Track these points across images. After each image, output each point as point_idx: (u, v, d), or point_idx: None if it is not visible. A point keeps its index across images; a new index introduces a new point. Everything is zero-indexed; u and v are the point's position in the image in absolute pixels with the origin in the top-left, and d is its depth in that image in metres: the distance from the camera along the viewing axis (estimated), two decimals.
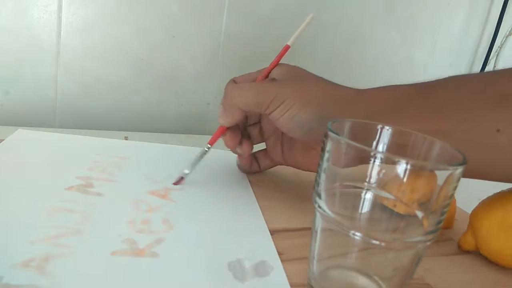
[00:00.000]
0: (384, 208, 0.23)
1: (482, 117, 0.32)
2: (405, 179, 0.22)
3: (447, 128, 0.32)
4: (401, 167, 0.21)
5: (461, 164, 0.22)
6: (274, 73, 0.39)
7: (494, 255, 0.33)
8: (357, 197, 0.24)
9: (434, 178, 0.22)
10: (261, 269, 0.28)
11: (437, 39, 0.78)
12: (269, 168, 0.46)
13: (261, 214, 0.36)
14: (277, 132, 0.43)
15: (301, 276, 0.28)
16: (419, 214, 0.23)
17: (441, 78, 0.35)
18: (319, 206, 0.24)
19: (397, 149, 0.27)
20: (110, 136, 0.50)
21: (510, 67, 0.34)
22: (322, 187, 0.25)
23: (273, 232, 0.34)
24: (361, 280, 0.25)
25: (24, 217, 0.30)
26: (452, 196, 0.23)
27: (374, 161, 0.22)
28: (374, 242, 0.23)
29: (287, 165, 0.44)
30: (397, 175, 0.22)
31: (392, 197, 0.23)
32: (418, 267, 0.24)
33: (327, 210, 0.24)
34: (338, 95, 0.36)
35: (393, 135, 0.27)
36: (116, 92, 0.61)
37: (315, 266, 0.26)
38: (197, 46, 0.63)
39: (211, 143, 0.40)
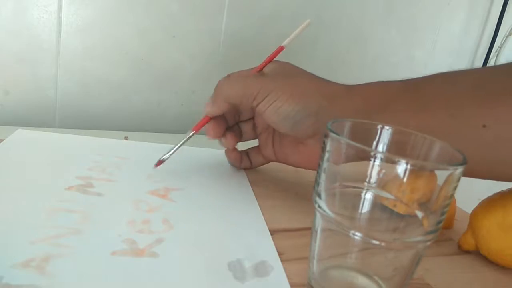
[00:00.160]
0: (384, 208, 0.23)
1: (469, 113, 0.32)
2: (405, 179, 0.22)
3: (434, 123, 0.32)
4: (401, 167, 0.21)
5: (461, 164, 0.22)
6: (265, 69, 0.40)
7: (494, 255, 0.33)
8: (357, 197, 0.24)
9: (434, 178, 0.22)
10: (261, 269, 0.28)
11: (437, 39, 0.78)
12: (262, 165, 0.46)
13: (261, 214, 0.36)
14: (269, 128, 0.43)
15: (301, 276, 0.28)
16: (419, 214, 0.23)
17: (430, 74, 0.35)
18: (319, 206, 0.24)
19: (397, 149, 0.27)
20: (110, 136, 0.50)
21: (499, 64, 0.34)
22: (322, 187, 0.25)
23: (273, 232, 0.34)
24: (361, 280, 0.25)
25: (24, 217, 0.30)
26: (452, 196, 0.23)
27: (374, 161, 0.22)
28: (374, 242, 0.23)
29: (278, 162, 0.44)
30: (397, 175, 0.22)
31: (392, 197, 0.23)
32: (418, 267, 0.24)
33: (327, 210, 0.24)
34: (325, 90, 0.37)
35: (393, 135, 0.27)
36: (116, 92, 0.61)
37: (315, 266, 0.26)
38: (197, 45, 0.63)
39: (196, 129, 0.41)
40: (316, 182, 0.25)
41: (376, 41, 0.74)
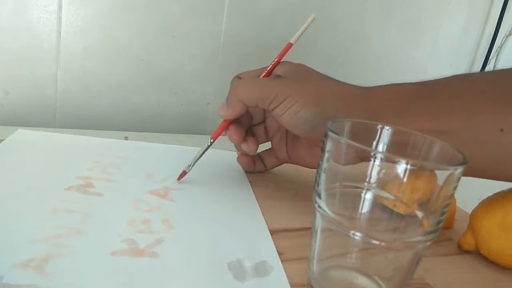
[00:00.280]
0: (384, 208, 0.23)
1: (487, 117, 0.32)
2: (405, 179, 0.22)
3: (451, 127, 0.32)
4: (401, 167, 0.21)
5: (461, 164, 0.22)
6: (278, 71, 0.39)
7: (494, 255, 0.33)
8: (357, 197, 0.24)
9: (434, 178, 0.22)
10: (261, 269, 0.28)
11: (437, 39, 0.78)
12: (276, 167, 0.46)
13: (261, 214, 0.36)
14: (282, 130, 0.43)
15: (301, 276, 0.28)
16: (419, 214, 0.23)
17: (445, 76, 0.35)
18: (319, 206, 0.24)
19: (397, 149, 0.27)
20: (110, 136, 0.50)
21: None
22: (322, 187, 0.25)
23: (273, 232, 0.34)
24: (361, 280, 0.25)
25: (24, 217, 0.30)
26: (452, 196, 0.23)
27: (374, 161, 0.22)
28: (374, 242, 0.23)
29: (292, 163, 0.44)
30: (397, 175, 0.22)
31: (392, 197, 0.23)
32: (418, 267, 0.24)
33: (327, 210, 0.24)
34: (341, 92, 0.36)
35: (393, 135, 0.27)
36: (116, 92, 0.61)
37: (315, 266, 0.26)
38: (197, 46, 0.63)
39: (214, 137, 0.40)
40: (316, 182, 0.25)
41: (376, 41, 0.74)
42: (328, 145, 0.24)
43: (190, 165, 0.40)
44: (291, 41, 0.40)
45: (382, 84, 0.37)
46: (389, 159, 0.22)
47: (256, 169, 0.46)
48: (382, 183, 0.22)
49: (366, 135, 0.27)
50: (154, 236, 0.30)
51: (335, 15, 0.69)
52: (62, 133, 0.48)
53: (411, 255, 0.24)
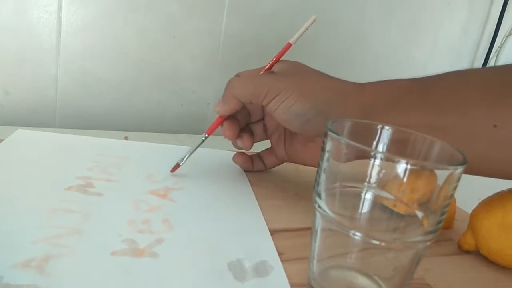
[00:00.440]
0: (384, 208, 0.23)
1: (480, 113, 0.32)
2: (405, 179, 0.22)
3: (444, 123, 0.32)
4: (401, 167, 0.21)
5: (461, 164, 0.22)
6: (275, 68, 0.40)
7: (494, 255, 0.33)
8: (357, 197, 0.24)
9: (434, 178, 0.22)
10: (261, 269, 0.28)
11: (437, 39, 0.78)
12: (275, 166, 0.46)
13: (261, 214, 0.36)
14: (280, 128, 0.43)
15: (301, 276, 0.28)
16: (419, 214, 0.23)
17: (439, 73, 0.35)
18: (319, 206, 0.24)
19: (397, 149, 0.27)
20: (110, 136, 0.50)
21: (510, 63, 0.34)
22: (322, 187, 0.24)
23: (273, 232, 0.34)
24: (361, 280, 0.25)
25: (24, 217, 0.30)
26: (452, 196, 0.23)
27: (374, 161, 0.22)
28: (374, 242, 0.23)
29: (291, 161, 0.44)
30: (397, 175, 0.22)
31: (392, 197, 0.23)
32: (418, 267, 0.24)
33: (327, 210, 0.24)
34: (334, 87, 0.37)
35: (393, 135, 0.27)
36: (116, 92, 0.61)
37: (315, 266, 0.26)
38: (197, 46, 0.63)
39: (209, 132, 0.41)
40: (316, 182, 0.25)
41: (376, 41, 0.74)
42: (328, 145, 0.24)
43: (184, 158, 0.40)
44: (290, 41, 0.40)
45: None
46: (389, 159, 0.22)
47: (255, 169, 0.46)
48: (382, 183, 0.22)
49: (366, 135, 0.27)
50: (154, 236, 0.30)
51: (335, 15, 0.70)
52: (62, 133, 0.48)
53: (411, 255, 0.24)
